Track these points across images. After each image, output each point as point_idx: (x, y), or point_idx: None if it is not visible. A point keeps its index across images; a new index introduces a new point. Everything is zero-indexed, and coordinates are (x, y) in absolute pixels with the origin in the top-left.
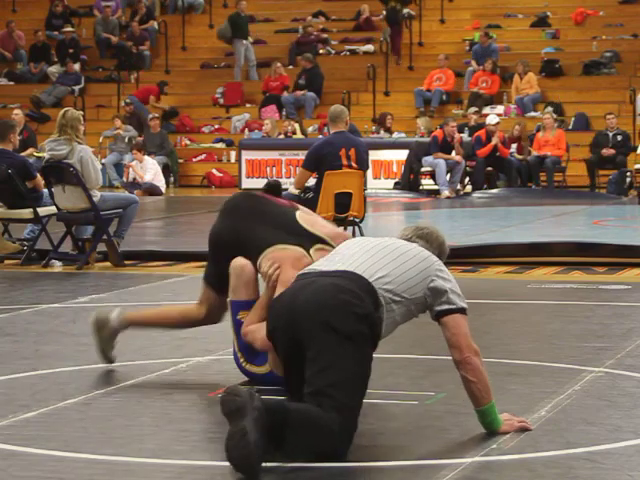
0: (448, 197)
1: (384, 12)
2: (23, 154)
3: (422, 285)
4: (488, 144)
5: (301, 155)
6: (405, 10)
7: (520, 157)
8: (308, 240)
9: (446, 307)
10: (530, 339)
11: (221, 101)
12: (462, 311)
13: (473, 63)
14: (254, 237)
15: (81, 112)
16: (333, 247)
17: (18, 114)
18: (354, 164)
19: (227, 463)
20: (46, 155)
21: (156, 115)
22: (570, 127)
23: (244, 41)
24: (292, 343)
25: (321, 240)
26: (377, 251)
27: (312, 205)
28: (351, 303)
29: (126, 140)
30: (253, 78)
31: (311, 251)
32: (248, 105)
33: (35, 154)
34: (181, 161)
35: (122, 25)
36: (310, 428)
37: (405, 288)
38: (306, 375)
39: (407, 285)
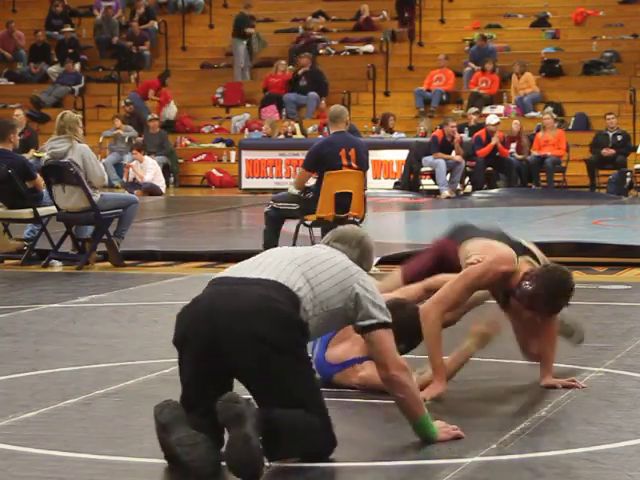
0: (448, 197)
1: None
2: (24, 155)
3: (342, 297)
4: (488, 144)
5: (301, 155)
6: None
7: (520, 157)
8: (519, 248)
9: (368, 322)
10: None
11: (221, 101)
12: (385, 325)
13: (471, 64)
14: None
15: (79, 115)
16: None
17: (19, 115)
18: (354, 164)
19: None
20: (46, 155)
21: (155, 116)
22: (570, 127)
23: (244, 41)
24: (209, 352)
25: (532, 254)
26: (298, 262)
27: (312, 205)
28: (283, 312)
29: (126, 140)
30: (245, 78)
31: (520, 259)
32: (248, 105)
33: (35, 154)
34: (181, 161)
35: (122, 25)
36: (298, 432)
37: (324, 298)
38: (254, 393)
39: (326, 295)
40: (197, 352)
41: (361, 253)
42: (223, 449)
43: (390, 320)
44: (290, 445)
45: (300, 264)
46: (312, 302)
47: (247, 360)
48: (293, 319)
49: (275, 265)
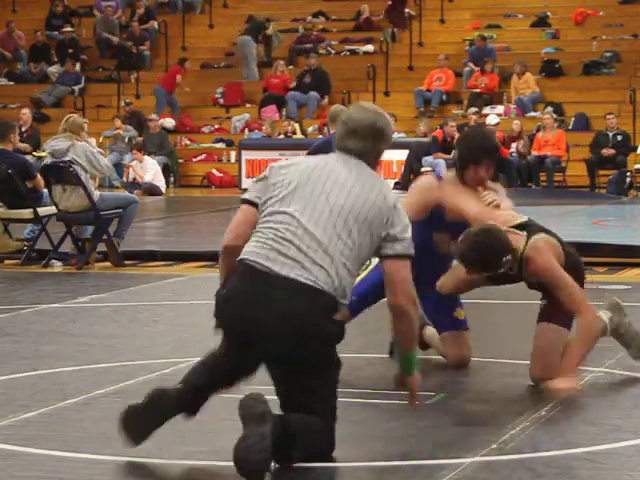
0: None
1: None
2: (21, 146)
3: (374, 244)
4: None
5: (301, 155)
6: (405, 10)
7: (521, 152)
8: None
9: (386, 252)
10: (530, 339)
11: (221, 101)
12: (402, 257)
13: (470, 64)
14: None
15: (85, 120)
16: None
17: (26, 113)
18: None
19: (226, 463)
20: (47, 153)
21: (154, 118)
22: (570, 127)
23: (256, 44)
24: (245, 348)
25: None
26: (338, 230)
27: None
28: (320, 332)
29: (126, 140)
30: (255, 78)
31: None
32: (248, 105)
33: (35, 154)
34: (181, 161)
35: (122, 25)
36: (308, 439)
37: (362, 255)
38: (281, 396)
39: (364, 253)
40: (234, 342)
41: (375, 140)
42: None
43: (410, 253)
44: (299, 452)
45: (339, 233)
46: (353, 264)
47: (282, 368)
48: (328, 336)
49: (310, 247)
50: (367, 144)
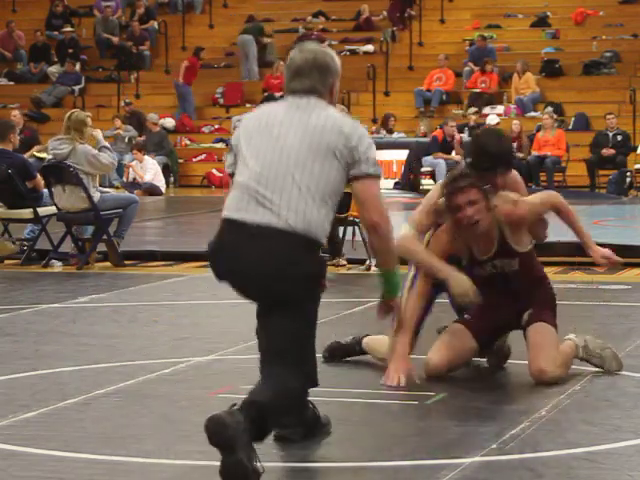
0: None
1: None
2: (26, 154)
3: (341, 176)
4: None
5: None
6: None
7: (520, 155)
8: None
9: (355, 173)
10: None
11: (221, 101)
12: (371, 176)
13: (470, 64)
14: None
15: (88, 114)
16: None
17: (16, 115)
18: None
19: None
20: (49, 155)
21: (154, 120)
22: (570, 127)
23: (255, 43)
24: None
25: None
26: (297, 177)
27: None
28: (297, 272)
29: (126, 140)
30: (254, 77)
31: None
32: (248, 105)
33: (35, 154)
34: (181, 161)
35: (122, 25)
36: (283, 404)
37: (336, 188)
38: (260, 339)
39: (331, 188)
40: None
41: (321, 75)
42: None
43: (377, 173)
44: (277, 419)
45: (297, 172)
46: (323, 198)
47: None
48: (305, 271)
49: (279, 192)
50: (313, 80)
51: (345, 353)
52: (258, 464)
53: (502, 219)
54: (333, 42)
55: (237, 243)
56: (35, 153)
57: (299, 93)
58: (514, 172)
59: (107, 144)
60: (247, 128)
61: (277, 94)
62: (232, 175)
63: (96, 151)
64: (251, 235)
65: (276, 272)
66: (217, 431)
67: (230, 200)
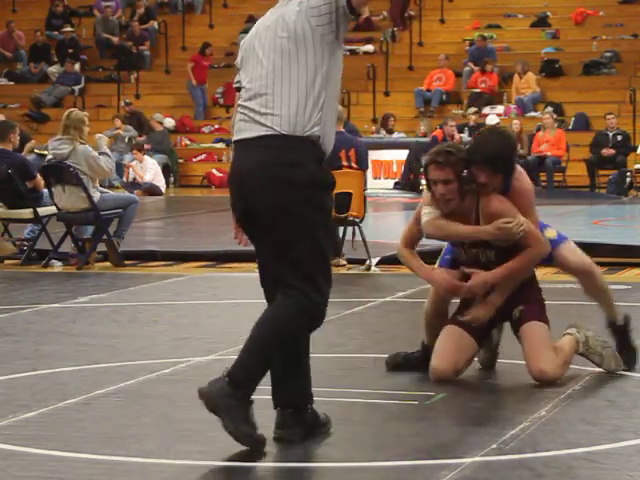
0: None
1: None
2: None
3: (320, 33)
4: None
5: None
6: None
7: (522, 151)
8: None
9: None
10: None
11: (221, 101)
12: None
13: (470, 64)
14: None
15: (85, 113)
16: None
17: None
18: (354, 164)
19: (226, 463)
20: (49, 155)
21: (159, 119)
22: (570, 127)
23: None
24: (246, 216)
25: None
26: (267, 68)
27: None
28: (292, 175)
29: (126, 140)
30: None
31: None
32: None
33: (37, 151)
34: (181, 161)
35: (122, 25)
36: (282, 334)
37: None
38: (261, 266)
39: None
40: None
41: None
42: None
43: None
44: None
45: (279, 75)
46: (310, 86)
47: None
48: (301, 178)
49: (263, 99)
50: None
51: (414, 366)
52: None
53: (482, 208)
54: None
55: (239, 162)
56: (36, 150)
57: None
58: (523, 186)
59: (108, 151)
60: (241, 47)
61: None
62: (237, 90)
63: (96, 153)
64: (247, 150)
65: (271, 178)
66: (207, 401)
67: (234, 123)
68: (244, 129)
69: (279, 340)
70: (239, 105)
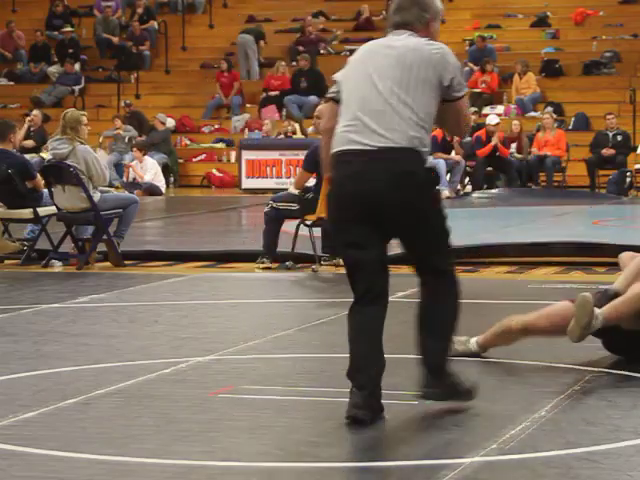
0: (448, 197)
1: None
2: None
3: (435, 87)
4: (488, 144)
5: (301, 155)
6: None
7: (520, 156)
8: None
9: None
10: (530, 339)
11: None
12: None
13: (470, 64)
14: None
15: (83, 112)
16: None
17: (37, 115)
18: None
19: (226, 463)
20: (49, 155)
21: (162, 119)
22: (570, 127)
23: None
24: (365, 222)
25: None
26: (396, 98)
27: (312, 205)
28: (417, 180)
29: (126, 140)
30: (255, 77)
31: None
32: (248, 105)
33: (42, 155)
34: (181, 161)
35: (122, 25)
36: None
37: (430, 109)
38: (411, 258)
39: (429, 110)
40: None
41: (419, 10)
42: None
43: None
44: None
45: (398, 100)
46: (419, 117)
47: (404, 226)
48: (425, 183)
49: (386, 115)
50: (411, 14)
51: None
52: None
53: None
54: (333, 42)
55: (359, 168)
56: (42, 154)
57: (399, 26)
58: None
59: (106, 165)
60: (350, 65)
61: (277, 94)
62: (332, 100)
63: (97, 155)
64: (368, 158)
65: (398, 184)
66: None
67: (337, 139)
68: (359, 140)
69: (457, 321)
70: (347, 119)
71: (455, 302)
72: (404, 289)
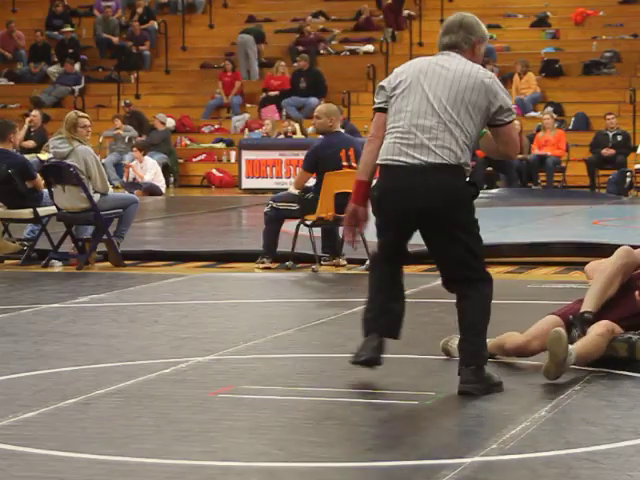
0: None
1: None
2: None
3: (482, 112)
4: None
5: (301, 155)
6: (405, 11)
7: (520, 156)
8: None
9: (503, 120)
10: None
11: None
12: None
13: None
14: None
15: (84, 115)
16: None
17: (36, 115)
18: (354, 164)
19: (226, 463)
20: (49, 154)
21: (162, 119)
22: (570, 127)
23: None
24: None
25: None
26: (446, 117)
27: (312, 205)
28: (459, 194)
29: (126, 140)
30: (255, 77)
31: None
32: (248, 105)
33: (40, 156)
34: (181, 161)
35: (122, 25)
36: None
37: (475, 131)
38: (443, 266)
39: (476, 131)
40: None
41: (465, 32)
42: None
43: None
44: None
45: (449, 120)
46: (467, 138)
47: (436, 238)
48: (467, 198)
49: (438, 132)
50: (458, 37)
51: None
52: None
53: None
54: (333, 42)
55: (407, 181)
56: (40, 155)
57: (447, 47)
58: None
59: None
60: (400, 77)
61: (277, 94)
62: (379, 110)
63: (99, 161)
64: (418, 172)
65: (443, 197)
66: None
67: (387, 147)
68: (406, 153)
69: (488, 320)
70: (396, 133)
71: (486, 303)
72: (406, 289)
